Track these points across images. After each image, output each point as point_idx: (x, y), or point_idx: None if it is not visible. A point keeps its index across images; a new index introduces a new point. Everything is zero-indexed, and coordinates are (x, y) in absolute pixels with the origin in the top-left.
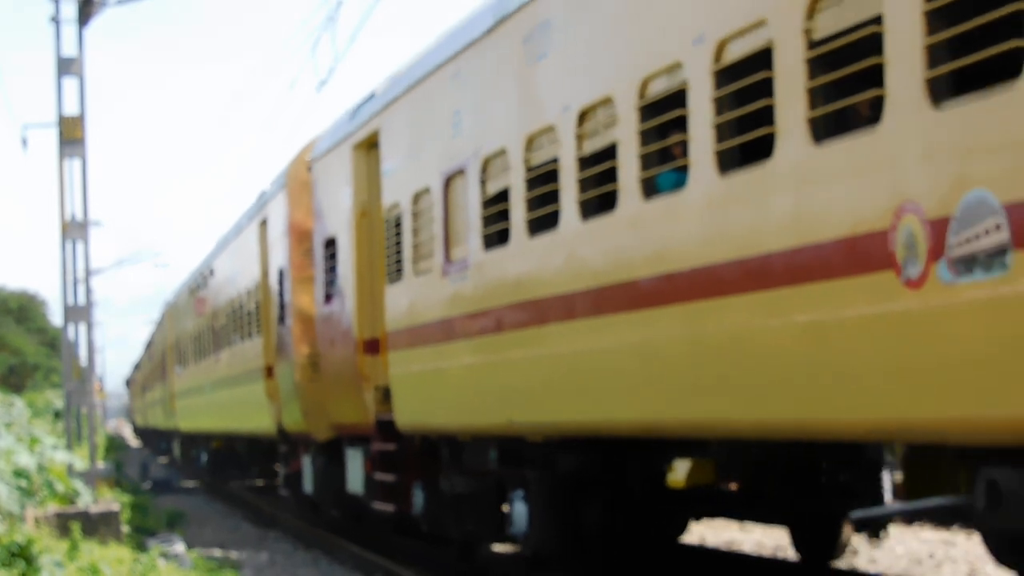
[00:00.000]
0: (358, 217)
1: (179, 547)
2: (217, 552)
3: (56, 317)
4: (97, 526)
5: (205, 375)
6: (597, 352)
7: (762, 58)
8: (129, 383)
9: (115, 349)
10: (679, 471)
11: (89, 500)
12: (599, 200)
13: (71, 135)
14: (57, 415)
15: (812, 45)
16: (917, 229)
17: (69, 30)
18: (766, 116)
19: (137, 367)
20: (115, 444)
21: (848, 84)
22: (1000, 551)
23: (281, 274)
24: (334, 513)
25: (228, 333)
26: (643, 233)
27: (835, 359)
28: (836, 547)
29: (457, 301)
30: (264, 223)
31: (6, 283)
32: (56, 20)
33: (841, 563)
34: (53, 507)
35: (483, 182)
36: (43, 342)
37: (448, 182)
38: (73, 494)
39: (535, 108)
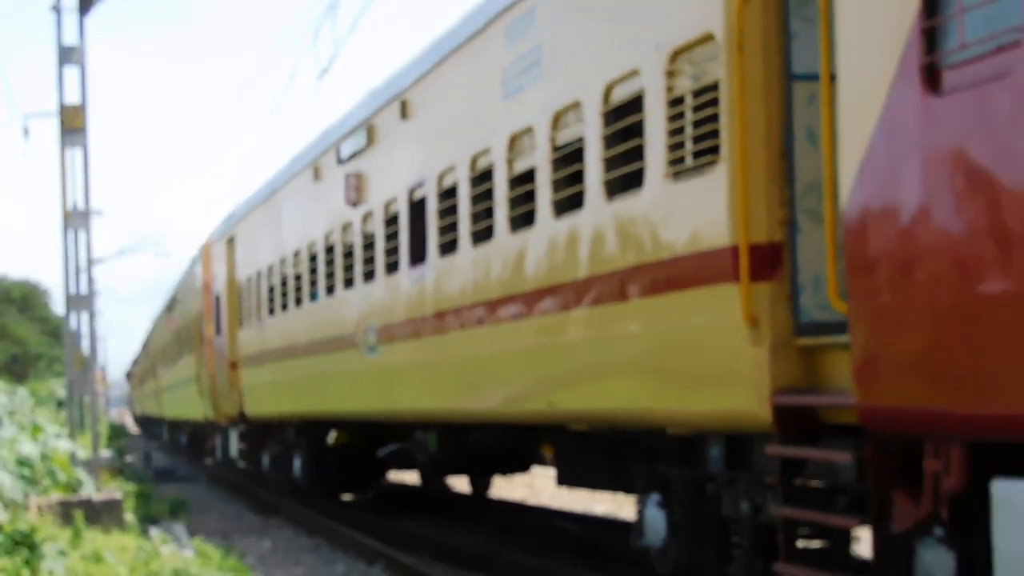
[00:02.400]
0: (228, 285)
1: (182, 534)
2: (220, 539)
3: (58, 306)
4: (100, 514)
5: (175, 375)
6: (303, 376)
7: (314, 255)
8: (129, 376)
9: (117, 338)
10: (331, 437)
11: (92, 488)
12: (298, 300)
13: (72, 124)
14: (60, 404)
15: (326, 250)
16: (362, 333)
17: (70, 18)
18: (326, 277)
19: (136, 362)
20: (117, 432)
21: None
22: (424, 471)
23: (201, 313)
24: (231, 475)
25: (183, 347)
26: (305, 322)
27: (352, 387)
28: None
29: (262, 341)
30: (194, 277)
31: (8, 272)
32: (57, 9)
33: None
34: (56, 495)
35: (269, 278)
36: (45, 331)
37: (257, 274)
38: (76, 482)
39: (282, 244)
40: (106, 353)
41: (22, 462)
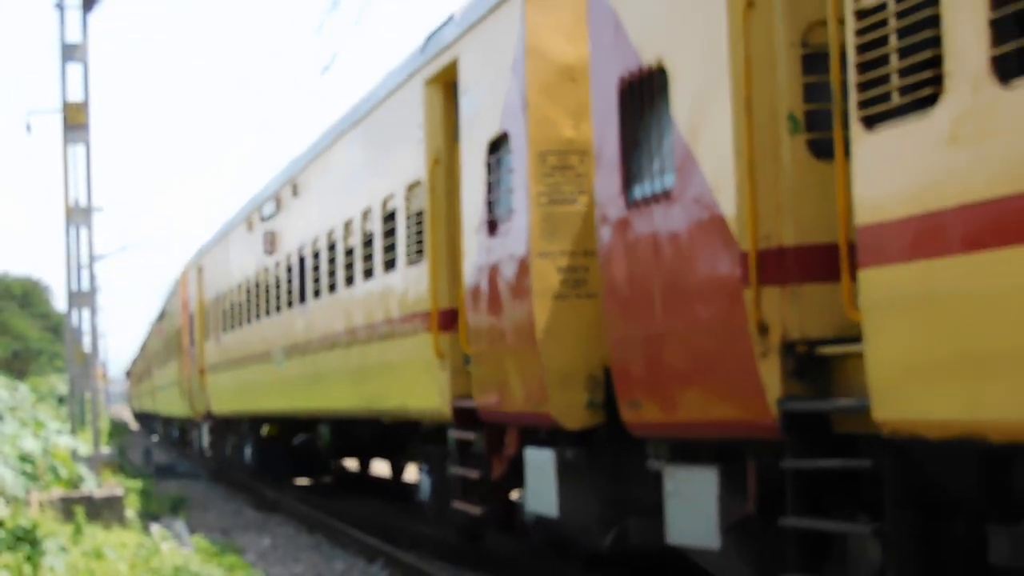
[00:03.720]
0: (198, 305)
1: (182, 531)
2: (220, 536)
3: (60, 303)
4: (101, 510)
5: (165, 377)
6: (245, 382)
7: (248, 289)
8: (129, 373)
9: (118, 335)
10: (263, 429)
11: (93, 484)
12: (239, 322)
13: (75, 121)
14: (61, 400)
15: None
16: (276, 351)
17: (73, 16)
18: (255, 307)
19: (135, 361)
20: (118, 429)
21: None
22: (328, 456)
23: (181, 326)
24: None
25: (170, 353)
26: (244, 340)
27: (272, 391)
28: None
29: (220, 353)
30: (177, 295)
31: (10, 269)
32: (60, 6)
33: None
34: (57, 491)
35: (223, 303)
36: (47, 327)
37: (216, 299)
38: (77, 479)
39: (230, 277)
40: (107, 350)
41: (23, 458)
